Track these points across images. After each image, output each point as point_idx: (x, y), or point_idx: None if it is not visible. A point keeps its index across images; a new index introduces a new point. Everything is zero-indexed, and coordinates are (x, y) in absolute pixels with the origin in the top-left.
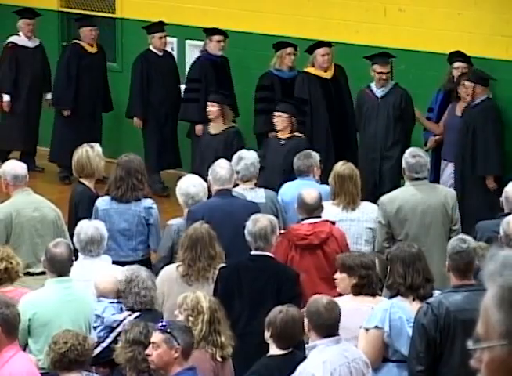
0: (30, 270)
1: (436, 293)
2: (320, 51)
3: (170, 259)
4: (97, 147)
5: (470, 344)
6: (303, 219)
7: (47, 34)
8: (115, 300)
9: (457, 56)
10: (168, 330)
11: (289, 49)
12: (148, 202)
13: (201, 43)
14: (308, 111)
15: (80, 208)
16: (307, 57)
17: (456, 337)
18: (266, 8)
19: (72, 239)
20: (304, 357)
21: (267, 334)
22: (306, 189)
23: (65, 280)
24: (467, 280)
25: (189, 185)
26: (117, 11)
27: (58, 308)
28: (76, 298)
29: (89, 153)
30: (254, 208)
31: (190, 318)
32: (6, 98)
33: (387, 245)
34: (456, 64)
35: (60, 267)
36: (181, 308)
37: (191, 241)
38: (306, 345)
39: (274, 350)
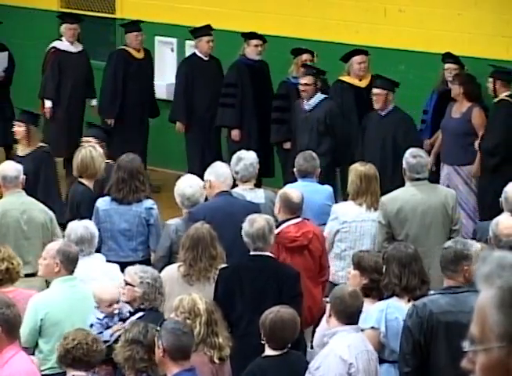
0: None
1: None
2: (357, 59)
3: (168, 259)
4: (98, 148)
5: (465, 345)
6: (284, 221)
7: (47, 34)
8: (102, 315)
9: (448, 57)
10: (158, 329)
11: (305, 56)
12: (149, 203)
13: None
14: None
15: (81, 209)
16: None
17: (439, 339)
18: (266, 8)
19: None
20: (304, 357)
21: (262, 335)
22: (288, 188)
23: (71, 279)
24: (454, 280)
25: (186, 186)
26: (117, 11)
27: (68, 307)
28: (83, 296)
29: (93, 153)
30: (255, 209)
31: (188, 321)
32: (48, 104)
33: (387, 245)
34: (446, 66)
35: (75, 266)
36: (177, 311)
37: (192, 241)
38: (326, 332)
39: (268, 351)
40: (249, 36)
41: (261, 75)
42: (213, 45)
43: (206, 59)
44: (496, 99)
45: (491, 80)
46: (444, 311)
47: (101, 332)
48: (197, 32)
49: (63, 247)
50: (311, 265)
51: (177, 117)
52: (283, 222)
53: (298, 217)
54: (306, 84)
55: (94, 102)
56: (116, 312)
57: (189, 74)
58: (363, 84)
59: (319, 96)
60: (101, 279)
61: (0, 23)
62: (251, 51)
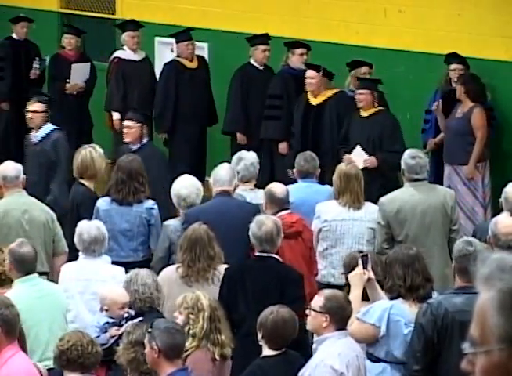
0: None
1: (435, 294)
2: (306, 73)
3: (168, 260)
4: (98, 148)
5: (466, 347)
6: (273, 215)
7: (47, 35)
8: (104, 321)
9: (453, 57)
10: (149, 330)
11: (364, 69)
12: (149, 203)
13: (201, 44)
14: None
15: (81, 209)
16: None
17: (453, 338)
18: (266, 9)
19: (68, 240)
20: (301, 357)
21: (259, 336)
22: (273, 184)
23: (31, 278)
24: (472, 282)
25: (181, 187)
26: (117, 12)
27: (29, 306)
28: (46, 294)
29: (93, 154)
30: (252, 209)
31: (191, 316)
32: (116, 116)
33: (386, 246)
34: (452, 66)
35: (29, 266)
36: (181, 307)
37: (190, 242)
38: (314, 339)
39: (267, 351)
40: (293, 45)
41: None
42: (269, 54)
43: (261, 68)
44: (375, 110)
45: (367, 92)
46: (459, 310)
47: (98, 336)
48: (254, 40)
49: (15, 246)
50: (306, 252)
51: (236, 128)
52: (273, 215)
53: (287, 209)
54: (35, 112)
55: None
56: (125, 316)
57: (243, 84)
58: (315, 101)
59: (48, 127)
60: (111, 283)
61: (84, 33)
62: (296, 60)
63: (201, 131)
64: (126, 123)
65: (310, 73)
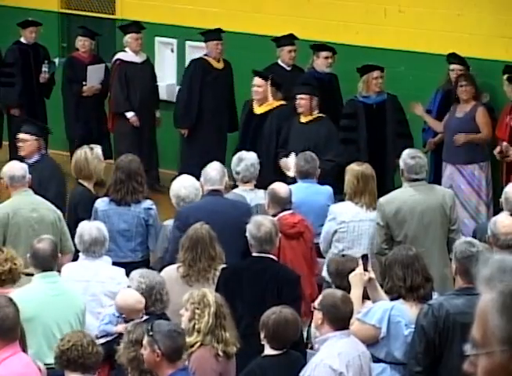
0: (27, 270)
1: (435, 295)
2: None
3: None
4: (96, 149)
5: (467, 349)
6: (275, 215)
7: (47, 35)
8: (117, 314)
9: (453, 57)
10: (151, 334)
11: (376, 73)
12: (147, 203)
13: (202, 44)
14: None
15: (79, 209)
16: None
17: (455, 339)
18: (266, 9)
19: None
20: (302, 357)
21: (261, 335)
22: (276, 184)
23: (49, 276)
24: (473, 283)
25: (180, 187)
26: (117, 12)
27: (42, 303)
28: (61, 293)
29: (87, 155)
30: (244, 208)
31: (197, 311)
32: (130, 114)
33: (386, 247)
34: (452, 66)
35: (43, 262)
36: (187, 303)
37: (191, 242)
38: (316, 339)
39: (268, 350)
40: (318, 48)
41: (330, 89)
42: (295, 54)
43: (288, 68)
44: (313, 117)
45: (307, 97)
46: (461, 312)
47: (107, 323)
48: (279, 41)
49: (34, 241)
50: (307, 253)
51: None
52: (274, 215)
53: (289, 210)
54: None
55: (158, 113)
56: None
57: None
58: (259, 110)
59: None
60: (111, 284)
61: (98, 35)
62: (321, 63)
63: (222, 131)
64: (21, 136)
65: (257, 81)
